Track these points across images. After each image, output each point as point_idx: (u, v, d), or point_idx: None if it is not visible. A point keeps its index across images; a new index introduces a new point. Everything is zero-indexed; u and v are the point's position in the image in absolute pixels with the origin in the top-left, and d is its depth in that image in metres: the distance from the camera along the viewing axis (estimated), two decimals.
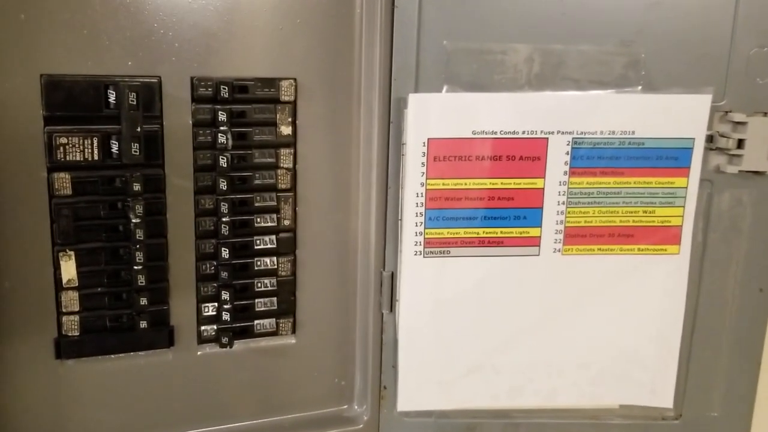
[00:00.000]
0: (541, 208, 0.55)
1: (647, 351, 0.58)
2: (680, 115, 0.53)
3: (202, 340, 0.55)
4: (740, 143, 0.54)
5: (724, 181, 0.55)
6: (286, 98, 0.52)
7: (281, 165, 0.54)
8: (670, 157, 0.54)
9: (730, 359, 0.59)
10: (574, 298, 0.57)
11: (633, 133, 0.53)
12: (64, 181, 0.49)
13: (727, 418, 0.60)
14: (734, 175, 0.55)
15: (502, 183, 0.54)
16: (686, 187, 0.55)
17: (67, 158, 0.48)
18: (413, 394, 0.58)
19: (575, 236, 0.55)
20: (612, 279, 0.56)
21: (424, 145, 0.52)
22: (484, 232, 0.55)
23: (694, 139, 0.53)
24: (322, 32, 0.53)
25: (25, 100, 0.47)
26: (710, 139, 0.55)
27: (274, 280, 0.56)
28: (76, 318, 0.51)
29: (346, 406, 0.62)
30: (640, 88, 0.54)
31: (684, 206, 0.55)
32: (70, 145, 0.48)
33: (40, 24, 0.46)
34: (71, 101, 0.47)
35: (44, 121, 0.47)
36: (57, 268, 0.50)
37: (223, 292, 0.54)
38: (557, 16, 0.52)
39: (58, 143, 0.47)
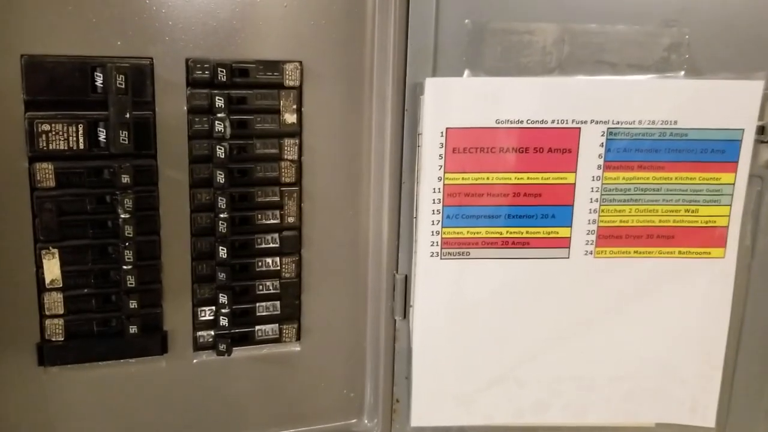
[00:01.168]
0: (572, 205, 0.54)
1: (687, 365, 0.57)
2: (728, 104, 0.52)
3: (198, 347, 0.55)
4: None
5: None
6: (291, 83, 0.52)
7: (285, 156, 0.53)
8: (716, 150, 0.53)
9: None
10: (606, 305, 0.56)
11: (675, 123, 0.52)
12: (46, 172, 0.47)
13: None
14: None
15: (528, 178, 0.53)
16: (734, 184, 0.53)
17: (50, 147, 0.47)
18: (428, 408, 0.57)
19: (609, 237, 0.54)
20: (649, 285, 0.55)
21: (442, 135, 0.52)
22: (507, 232, 0.54)
23: (743, 130, 0.52)
24: (330, 11, 0.52)
25: (4, 83, 0.46)
26: (761, 130, 0.53)
27: (276, 283, 0.56)
28: (61, 322, 0.50)
29: (355, 420, 0.61)
30: (683, 73, 0.52)
31: (731, 205, 0.54)
32: (53, 133, 0.47)
33: (20, 1, 0.44)
34: (54, 84, 0.46)
35: (25, 105, 0.46)
36: (39, 267, 0.49)
37: (221, 294, 0.54)
38: None
39: (40, 130, 0.46)
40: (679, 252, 0.54)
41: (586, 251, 0.54)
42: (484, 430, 0.59)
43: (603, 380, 0.57)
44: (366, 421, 0.60)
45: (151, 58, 0.48)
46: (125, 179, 0.48)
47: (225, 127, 0.50)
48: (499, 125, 0.51)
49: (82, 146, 0.47)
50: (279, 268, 0.55)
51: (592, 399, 0.57)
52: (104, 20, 0.47)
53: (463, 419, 0.58)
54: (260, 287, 0.55)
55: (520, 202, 0.53)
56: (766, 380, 0.58)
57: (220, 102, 0.50)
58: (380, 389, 0.59)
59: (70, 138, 0.47)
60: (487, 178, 0.52)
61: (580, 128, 0.51)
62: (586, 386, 0.57)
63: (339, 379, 0.59)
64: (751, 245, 0.55)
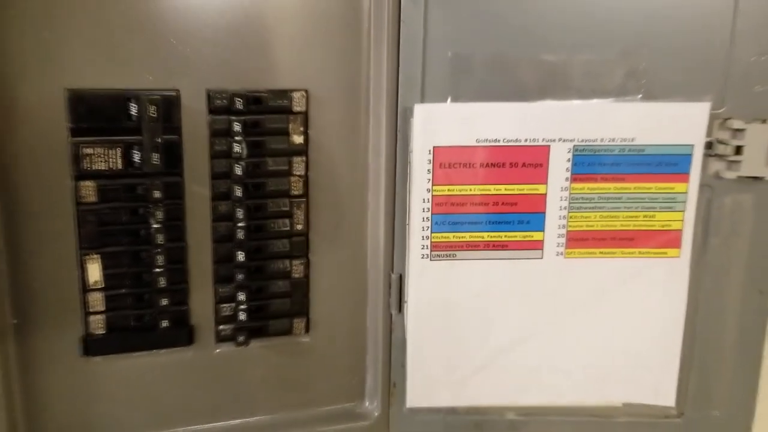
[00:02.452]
0: (544, 213, 0.55)
1: (649, 351, 0.58)
2: (679, 123, 0.53)
3: (219, 338, 0.56)
4: (738, 149, 0.54)
5: (723, 187, 0.56)
6: (298, 109, 0.53)
7: (294, 172, 0.55)
8: (669, 164, 0.54)
9: (731, 359, 0.59)
10: (577, 299, 0.57)
11: (633, 140, 0.54)
12: (89, 189, 0.50)
13: (729, 417, 0.60)
14: (733, 180, 0.55)
15: (505, 189, 0.54)
16: (686, 193, 0.55)
17: (92, 167, 0.50)
18: (422, 391, 0.59)
19: (577, 240, 0.56)
20: (614, 281, 0.57)
21: (429, 153, 0.53)
22: (488, 236, 0.56)
23: (693, 145, 0.54)
24: (332, 46, 0.54)
25: (52, 113, 0.48)
26: (709, 145, 0.55)
27: (287, 282, 0.57)
28: (102, 317, 0.53)
29: (357, 403, 0.62)
30: (640, 96, 0.54)
31: (684, 211, 0.55)
32: (95, 155, 0.49)
33: (63, 40, 0.47)
34: (95, 114, 0.49)
35: (70, 132, 0.49)
36: (83, 270, 0.51)
37: (239, 293, 0.56)
38: (559, 27, 0.53)
39: (83, 153, 0.49)
40: (639, 252, 0.56)
41: (558, 252, 0.56)
42: (471, 410, 0.60)
43: (575, 366, 0.59)
44: (367, 404, 0.62)
45: (178, 90, 0.50)
46: (156, 194, 0.51)
47: (242, 147, 0.52)
48: (479, 144, 0.53)
49: (119, 166, 0.50)
50: (289, 269, 0.57)
51: (566, 383, 0.59)
52: (137, 58, 0.49)
53: (452, 401, 0.60)
54: (273, 286, 0.57)
55: (498, 210, 0.55)
56: (719, 364, 0.59)
57: (237, 126, 0.52)
58: (379, 375, 0.60)
59: (109, 159, 0.50)
60: (470, 190, 0.54)
61: (549, 146, 0.53)
62: (560, 372, 0.59)
63: (343, 367, 0.61)
64: (702, 245, 0.57)
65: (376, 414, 0.61)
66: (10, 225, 0.49)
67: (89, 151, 0.49)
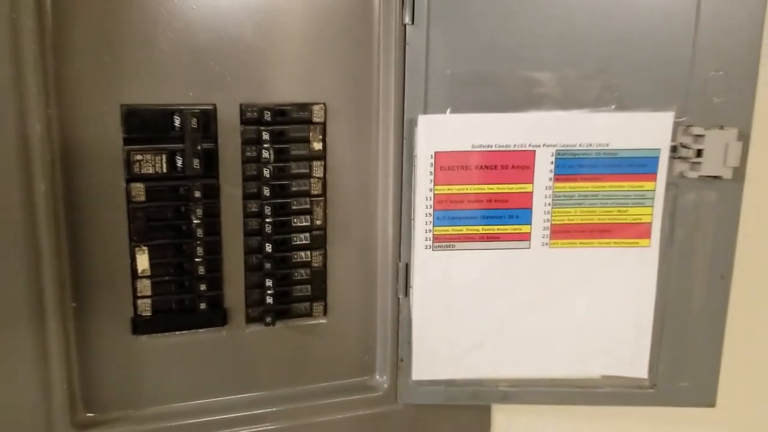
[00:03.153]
0: (531, 208, 0.59)
1: (624, 329, 0.62)
2: (648, 130, 0.58)
3: (249, 319, 0.60)
4: (699, 152, 0.58)
5: (687, 185, 0.60)
6: (317, 119, 0.57)
7: (313, 175, 0.59)
8: (639, 165, 0.58)
9: (697, 336, 0.63)
10: (560, 284, 0.61)
11: (608, 145, 0.58)
12: (139, 190, 0.55)
13: (696, 387, 0.64)
14: (695, 179, 0.59)
15: (497, 188, 0.58)
16: (654, 190, 0.59)
17: (142, 171, 0.54)
18: (425, 365, 0.63)
19: (560, 232, 0.60)
20: (592, 268, 0.61)
21: (431, 158, 0.57)
22: (483, 229, 0.60)
23: (660, 149, 0.58)
24: (346, 66, 0.58)
25: (109, 126, 0.53)
26: (674, 149, 0.59)
27: (308, 270, 0.61)
28: (148, 301, 0.57)
29: (369, 376, 0.65)
30: (613, 107, 0.58)
31: (653, 206, 0.59)
32: (144, 161, 0.54)
33: (120, 64, 0.53)
34: (144, 125, 0.54)
35: (123, 141, 0.54)
36: (133, 260, 0.56)
37: (266, 280, 0.59)
38: (543, 49, 0.57)
39: (134, 159, 0.54)
40: (615, 242, 0.60)
41: (543, 243, 0.60)
42: (469, 382, 0.64)
43: (559, 343, 0.62)
44: (377, 377, 0.65)
45: (215, 105, 0.55)
46: (196, 194, 0.56)
47: (269, 154, 0.57)
48: (474, 149, 0.57)
49: (164, 170, 0.54)
50: (310, 259, 0.60)
51: (552, 357, 0.63)
52: (180, 78, 0.54)
53: (452, 374, 0.63)
54: (296, 274, 0.60)
55: (491, 206, 0.59)
56: (686, 340, 0.63)
57: (265, 135, 0.56)
58: (388, 352, 0.63)
59: (156, 165, 0.54)
60: (467, 189, 0.58)
61: (535, 150, 0.58)
62: (546, 348, 0.62)
63: (356, 345, 0.64)
64: (670, 236, 0.61)
65: (386, 386, 0.64)
66: (71, 221, 0.54)
67: (139, 157, 0.54)
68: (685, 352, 0.64)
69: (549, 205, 0.60)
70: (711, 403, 0.66)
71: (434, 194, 0.59)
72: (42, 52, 0.50)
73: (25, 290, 0.53)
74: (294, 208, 0.59)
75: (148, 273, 0.57)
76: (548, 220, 0.60)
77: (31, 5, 0.49)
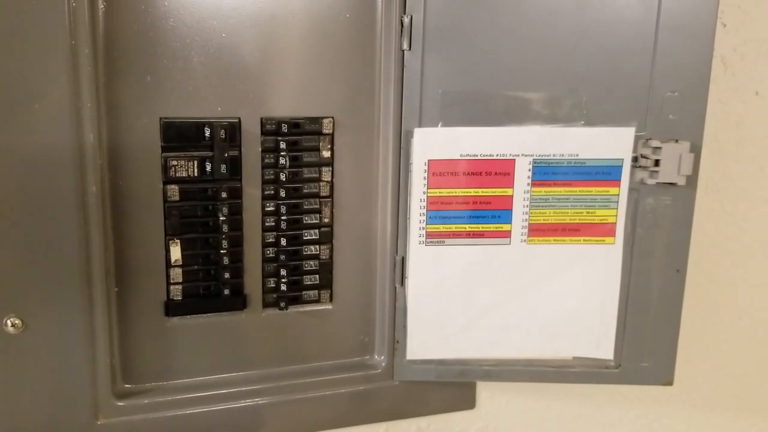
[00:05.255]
0: (511, 209, 0.63)
1: (592, 316, 0.67)
2: (612, 142, 0.62)
3: (265, 305, 0.64)
4: (657, 162, 0.63)
5: (646, 190, 0.65)
6: (327, 131, 0.62)
7: (322, 179, 0.63)
8: (605, 173, 0.63)
9: (656, 322, 0.68)
10: (536, 276, 0.66)
11: (577, 155, 0.62)
12: (174, 191, 0.59)
13: (655, 367, 0.70)
14: (654, 185, 0.64)
15: (482, 191, 0.63)
16: (618, 195, 0.64)
17: (177, 175, 0.59)
18: (419, 346, 0.67)
19: (537, 230, 0.64)
20: (565, 262, 0.65)
21: (425, 165, 0.62)
22: (469, 228, 0.64)
23: (623, 159, 0.63)
24: (352, 85, 0.62)
25: (150, 136, 0.58)
26: (635, 159, 0.63)
27: (317, 262, 0.65)
28: (180, 287, 0.62)
29: (369, 356, 0.69)
30: (582, 122, 0.62)
31: (617, 209, 0.64)
32: (179, 166, 0.59)
33: (159, 83, 0.58)
34: (180, 135, 0.59)
35: (162, 149, 0.59)
36: (167, 251, 0.61)
37: (281, 270, 0.64)
38: (522, 71, 0.62)
39: (170, 165, 0.59)
40: (584, 240, 0.65)
41: (522, 239, 0.64)
42: (457, 361, 0.68)
43: (535, 327, 0.66)
44: (376, 357, 0.69)
45: (239, 118, 0.60)
46: (222, 195, 0.60)
47: (285, 160, 0.61)
48: (462, 157, 0.61)
49: (195, 174, 0.59)
50: (318, 252, 0.64)
51: (528, 340, 0.67)
52: (211, 95, 0.59)
53: (442, 354, 0.67)
54: (306, 265, 0.64)
55: (477, 207, 0.63)
56: (647, 326, 0.68)
57: (282, 144, 0.61)
58: (386, 334, 0.67)
59: (189, 169, 0.59)
60: (456, 192, 0.62)
61: (515, 159, 0.62)
62: (524, 332, 0.66)
63: (358, 328, 0.68)
64: (632, 234, 0.65)
65: (383, 364, 0.68)
66: (116, 217, 0.60)
67: (174, 163, 0.59)
68: (646, 336, 0.69)
69: (527, 206, 0.64)
70: (669, 382, 0.70)
71: (427, 196, 0.63)
72: (95, 73, 0.56)
73: (77, 277, 0.58)
74: (305, 207, 0.64)
75: (180, 263, 0.62)
76: (526, 220, 0.64)
77: (87, 33, 0.55)
